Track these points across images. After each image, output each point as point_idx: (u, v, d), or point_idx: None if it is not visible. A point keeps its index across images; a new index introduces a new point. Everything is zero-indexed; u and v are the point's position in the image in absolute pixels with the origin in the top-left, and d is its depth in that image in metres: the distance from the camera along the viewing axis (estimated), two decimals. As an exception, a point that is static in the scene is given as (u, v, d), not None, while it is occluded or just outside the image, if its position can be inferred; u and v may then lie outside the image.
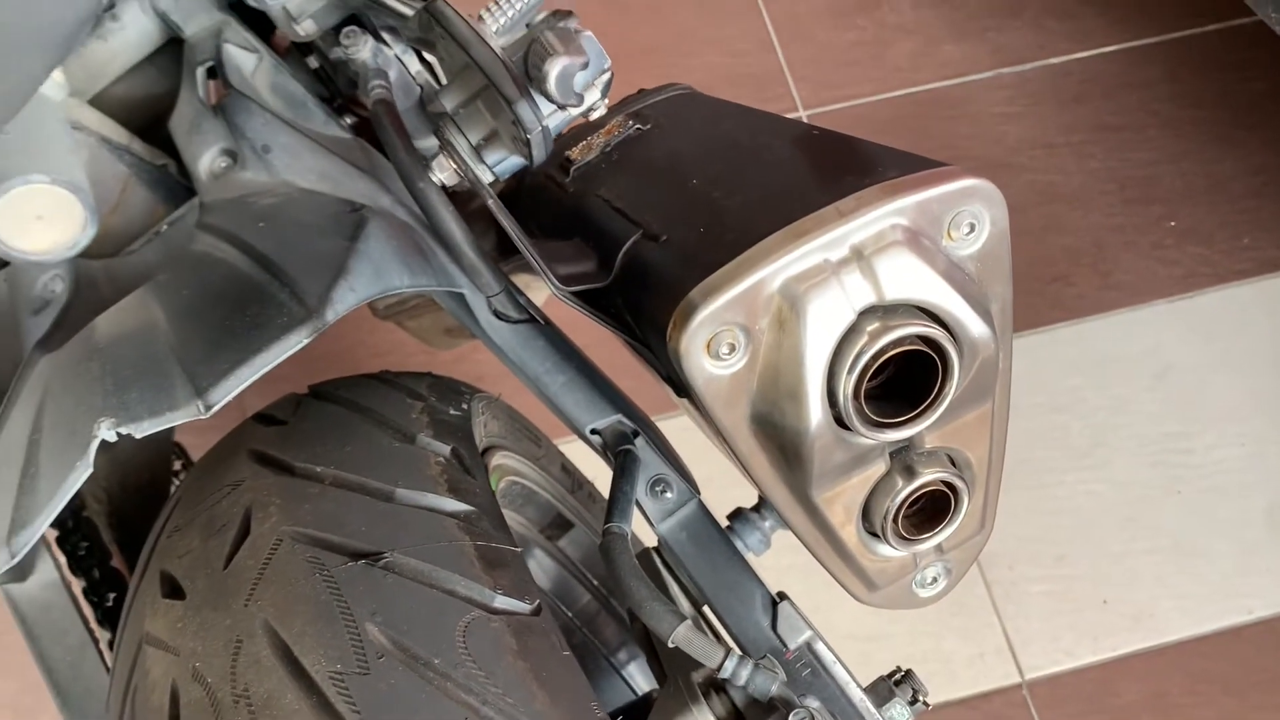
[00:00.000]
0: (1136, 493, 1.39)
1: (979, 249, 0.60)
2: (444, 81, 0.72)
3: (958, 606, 1.32)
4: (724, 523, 0.83)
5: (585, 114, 0.62)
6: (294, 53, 0.94)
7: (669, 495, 0.81)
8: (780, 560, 0.82)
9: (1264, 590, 1.33)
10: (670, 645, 0.64)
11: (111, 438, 0.58)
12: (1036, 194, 1.58)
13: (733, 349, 0.58)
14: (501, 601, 0.55)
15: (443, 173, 0.65)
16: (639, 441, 0.81)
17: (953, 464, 0.65)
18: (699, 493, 0.82)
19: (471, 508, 0.60)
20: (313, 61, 0.95)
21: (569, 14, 0.60)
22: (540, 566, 1.02)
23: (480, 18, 0.92)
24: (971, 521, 0.69)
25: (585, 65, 0.55)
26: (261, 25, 0.90)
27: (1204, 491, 1.39)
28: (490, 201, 0.65)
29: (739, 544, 0.81)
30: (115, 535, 0.87)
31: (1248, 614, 1.32)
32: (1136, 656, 1.29)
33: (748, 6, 1.75)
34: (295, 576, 0.54)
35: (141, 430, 0.57)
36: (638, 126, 0.77)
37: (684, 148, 0.72)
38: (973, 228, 0.59)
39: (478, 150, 0.65)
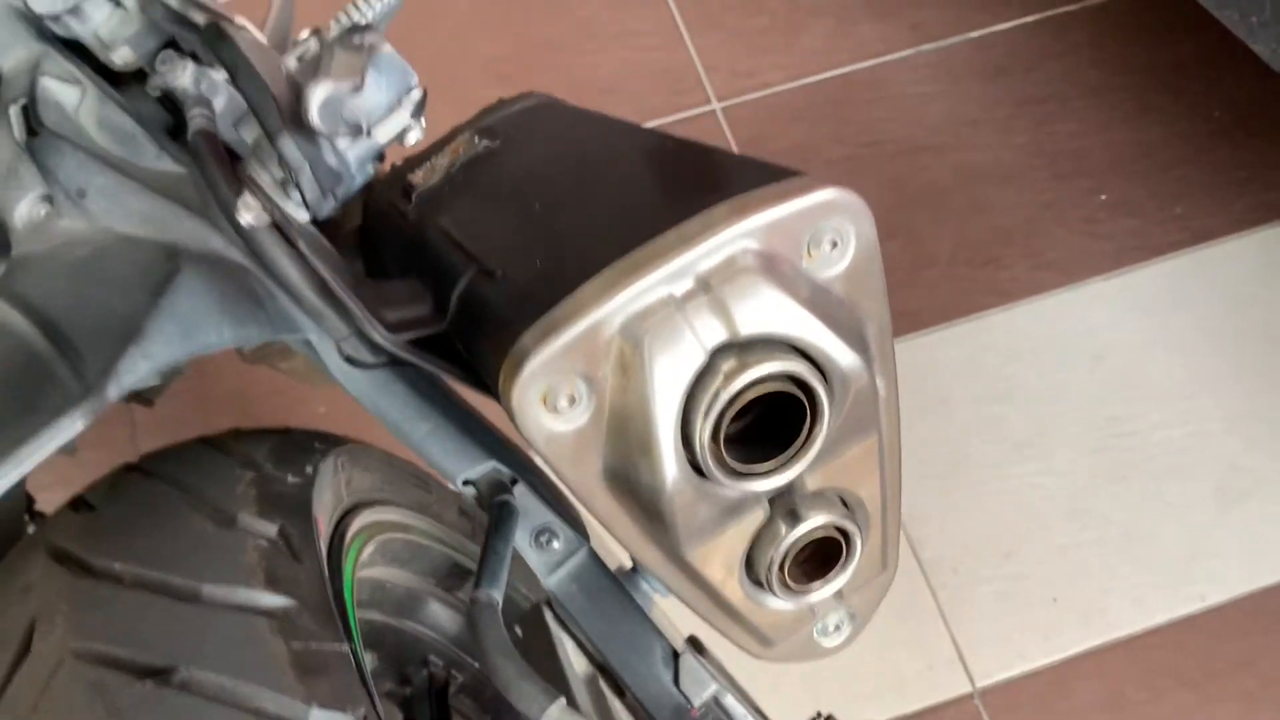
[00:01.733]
0: (1082, 481, 1.34)
1: (845, 267, 0.53)
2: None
3: (904, 616, 1.26)
4: (627, 564, 0.76)
5: (399, 140, 0.54)
6: (133, 82, 0.85)
7: (555, 545, 0.74)
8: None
9: (1216, 575, 1.28)
10: (543, 728, 0.58)
11: None
12: (962, 174, 1.52)
13: (573, 401, 0.50)
14: (318, 716, 0.48)
15: (249, 212, 0.57)
16: (518, 489, 0.74)
17: (844, 504, 0.58)
18: (588, 539, 0.76)
19: (291, 601, 0.53)
20: (153, 90, 0.86)
21: (367, 28, 0.52)
22: (440, 619, 0.95)
23: (355, 4, 0.84)
24: (871, 563, 0.62)
25: (358, 88, 0.48)
26: (91, 55, 0.82)
27: (1150, 476, 1.33)
28: (302, 244, 0.57)
29: (642, 588, 0.74)
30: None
31: (1201, 601, 1.27)
32: (1089, 655, 1.24)
33: (654, -3, 1.68)
34: (74, 707, 0.47)
35: (-107, 542, 0.50)
36: (486, 144, 0.69)
37: (531, 166, 0.65)
38: (836, 244, 0.52)
39: (284, 186, 0.57)
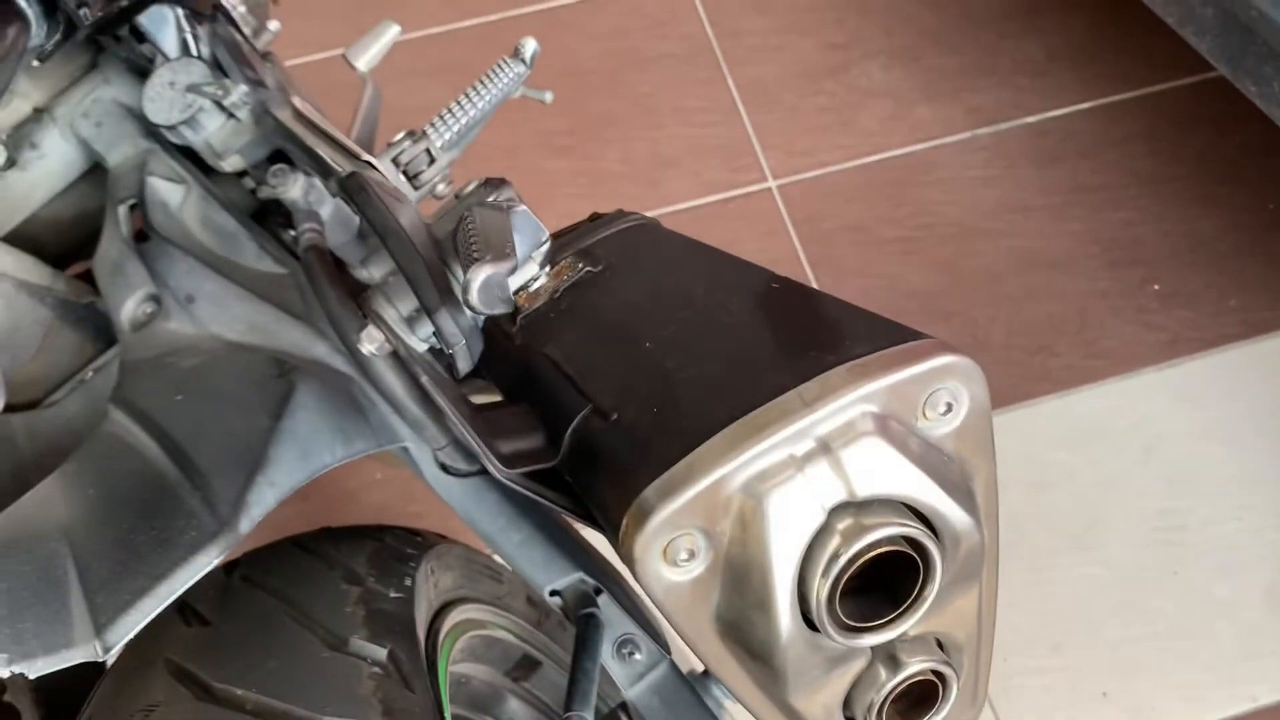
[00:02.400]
0: (1132, 574, 1.34)
1: (957, 427, 0.55)
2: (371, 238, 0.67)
3: (952, 705, 1.26)
4: (699, 668, 0.77)
5: (524, 289, 0.56)
6: (233, 178, 0.88)
7: (638, 657, 0.75)
8: None
9: (1268, 675, 1.27)
10: None
11: (4, 675, 0.52)
12: (1016, 260, 1.54)
13: (692, 555, 0.52)
14: None
15: (372, 344, 0.59)
16: (603, 600, 0.75)
17: (940, 648, 0.60)
18: (669, 651, 0.77)
19: (408, 733, 0.54)
20: (249, 183, 0.89)
21: (502, 183, 0.54)
22: (519, 712, 0.96)
23: (425, 133, 0.87)
24: (963, 701, 0.63)
25: (513, 269, 0.49)
26: (193, 152, 0.85)
27: (1201, 571, 1.33)
28: (425, 379, 0.59)
29: (714, 693, 0.75)
30: (43, 715, 0.81)
31: (1252, 702, 1.26)
32: (1140, 754, 1.24)
33: (712, 74, 1.70)
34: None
35: (35, 670, 0.51)
36: (588, 269, 0.71)
37: (637, 298, 0.67)
38: (950, 407, 0.54)
39: (409, 322, 0.59)
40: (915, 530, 0.52)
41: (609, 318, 0.67)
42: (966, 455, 0.56)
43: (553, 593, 0.75)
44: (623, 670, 0.75)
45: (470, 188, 0.56)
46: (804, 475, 0.51)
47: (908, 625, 0.54)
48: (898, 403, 0.53)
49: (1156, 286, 1.51)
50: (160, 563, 0.52)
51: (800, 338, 0.58)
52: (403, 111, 1.06)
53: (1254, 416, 1.42)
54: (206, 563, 0.53)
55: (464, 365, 0.53)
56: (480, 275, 0.48)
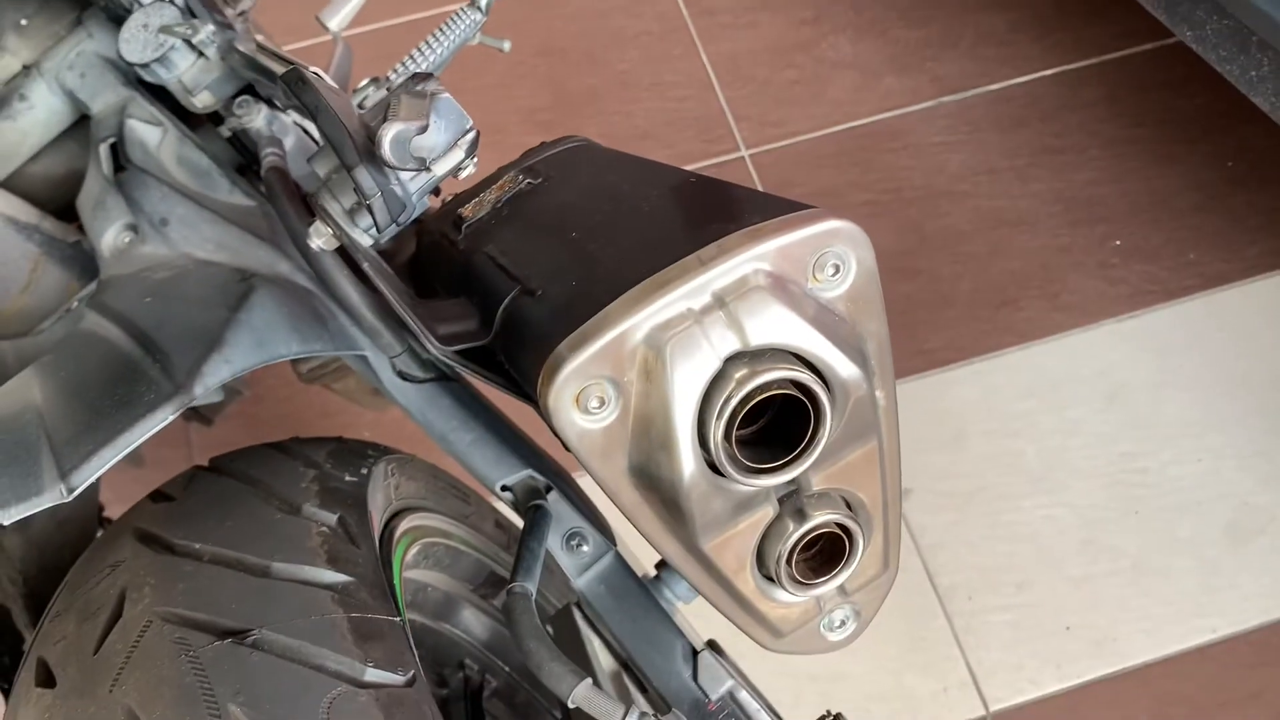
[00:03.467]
0: (1094, 515, 1.38)
1: (847, 289, 0.59)
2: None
3: (919, 640, 1.30)
4: (652, 572, 0.82)
5: (454, 174, 0.62)
6: (207, 123, 0.94)
7: (585, 549, 0.80)
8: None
9: (1227, 608, 1.31)
10: (571, 705, 0.63)
11: (-21, 525, 0.58)
12: (981, 219, 1.59)
13: (602, 402, 0.57)
14: (372, 674, 0.54)
15: (320, 238, 0.64)
16: (551, 496, 0.80)
17: (847, 505, 0.64)
18: (615, 544, 0.82)
19: (350, 578, 0.59)
20: (225, 130, 0.95)
21: (429, 76, 0.60)
22: (476, 624, 1.01)
23: (387, 78, 0.93)
24: (873, 562, 0.68)
25: (423, 129, 0.55)
26: (172, 99, 0.91)
27: (1162, 510, 1.37)
28: (366, 265, 0.65)
29: (665, 594, 0.80)
30: (32, 620, 0.86)
31: (1212, 633, 1.30)
32: (1101, 683, 1.27)
33: (687, 50, 1.76)
34: (161, 659, 0.53)
35: (9, 517, 0.57)
36: (529, 181, 0.77)
37: (569, 200, 0.72)
38: (838, 269, 0.59)
39: (352, 214, 0.64)
40: (803, 375, 0.57)
41: (543, 219, 0.72)
42: (857, 316, 0.61)
43: (504, 488, 0.80)
44: (571, 560, 0.80)
45: (397, 81, 0.62)
46: (701, 327, 0.56)
47: (802, 468, 0.59)
48: (788, 264, 0.58)
49: (1118, 242, 1.56)
50: (120, 419, 0.58)
51: (705, 215, 0.63)
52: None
53: (1212, 364, 1.46)
54: (162, 419, 0.58)
55: (381, 219, 0.58)
56: (390, 130, 0.53)
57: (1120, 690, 1.27)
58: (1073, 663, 1.29)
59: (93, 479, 0.56)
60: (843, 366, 0.59)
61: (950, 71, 1.71)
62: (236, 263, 0.79)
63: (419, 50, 0.95)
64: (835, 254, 0.59)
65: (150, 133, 0.89)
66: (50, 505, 0.56)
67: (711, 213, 0.63)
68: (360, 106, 0.90)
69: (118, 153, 0.88)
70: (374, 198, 0.56)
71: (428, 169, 0.56)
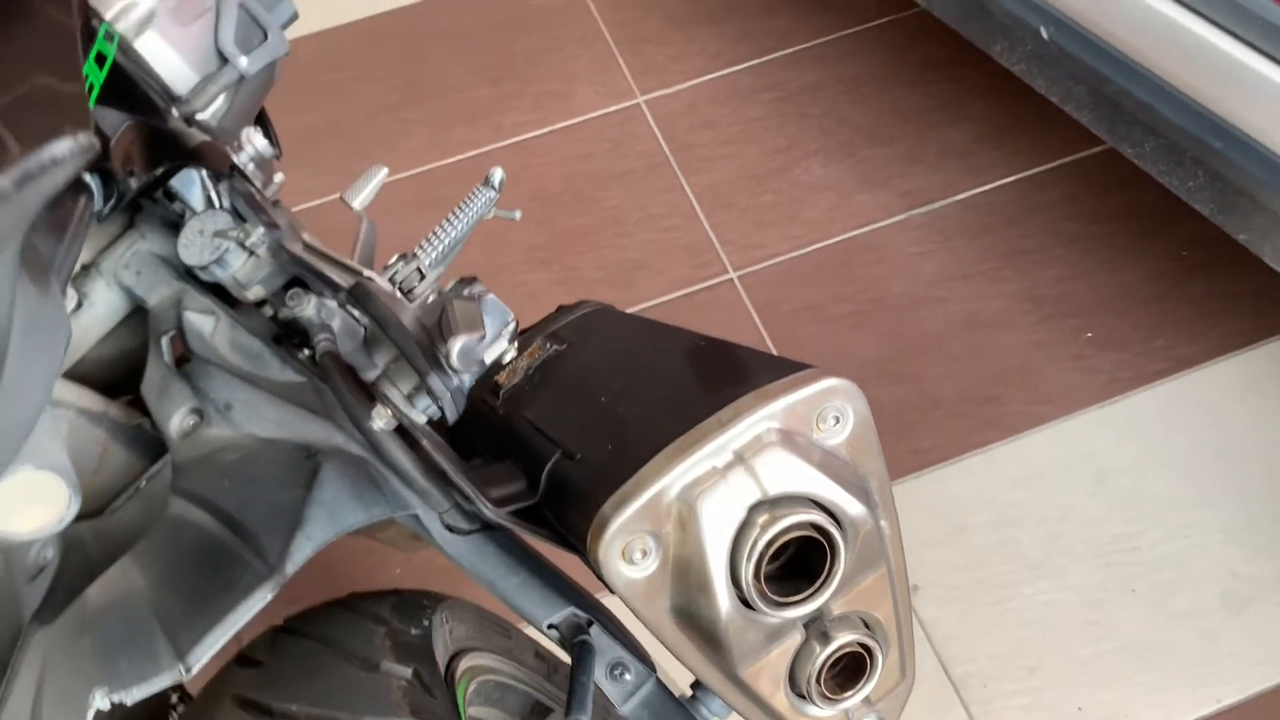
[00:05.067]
0: (1094, 596, 1.45)
1: (847, 436, 0.69)
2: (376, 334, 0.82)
3: (940, 732, 1.36)
4: (688, 692, 0.89)
5: (497, 362, 0.71)
6: (252, 305, 1.04)
7: (628, 677, 0.87)
8: None
9: (1229, 677, 1.37)
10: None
11: (106, 706, 0.65)
12: (959, 322, 1.69)
13: (645, 553, 0.66)
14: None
15: (381, 420, 0.73)
16: (594, 630, 0.88)
17: (865, 626, 0.72)
18: (655, 670, 0.89)
19: (432, 726, 0.67)
20: (269, 309, 1.05)
21: (473, 280, 0.70)
22: (524, 752, 1.07)
23: (414, 254, 1.03)
24: (891, 673, 0.76)
25: (483, 338, 0.64)
26: (219, 287, 1.01)
27: (1157, 586, 1.45)
28: (425, 442, 0.73)
29: (703, 712, 0.87)
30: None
31: (1217, 703, 1.36)
32: (1118, 760, 1.33)
33: (671, 184, 1.89)
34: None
35: (132, 697, 0.64)
36: (555, 347, 0.86)
37: (594, 364, 0.82)
38: (838, 420, 0.68)
39: (410, 398, 0.74)
40: (818, 517, 0.65)
41: (572, 382, 0.81)
42: (858, 458, 0.70)
43: (550, 626, 0.87)
44: (615, 689, 0.87)
45: (449, 286, 0.71)
46: (725, 481, 0.65)
47: (824, 598, 0.67)
48: (795, 419, 0.67)
49: (1090, 334, 1.66)
50: (224, 601, 0.66)
51: (717, 377, 0.72)
52: (400, 240, 1.23)
53: (1191, 443, 1.55)
54: (262, 598, 0.66)
55: (451, 415, 0.68)
56: (457, 344, 0.63)
57: (1137, 766, 1.33)
58: (1089, 742, 1.35)
59: (207, 658, 0.64)
60: (851, 506, 0.67)
61: (918, 185, 1.83)
62: (297, 438, 0.88)
63: (440, 228, 1.06)
64: (835, 408, 0.68)
65: (205, 322, 0.99)
66: (171, 683, 0.64)
67: (723, 375, 0.72)
68: (392, 282, 1.00)
69: (180, 344, 0.97)
70: (444, 399, 0.65)
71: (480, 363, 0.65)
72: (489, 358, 0.68)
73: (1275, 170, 1.12)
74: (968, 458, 1.57)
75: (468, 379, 0.68)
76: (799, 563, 0.68)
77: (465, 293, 0.68)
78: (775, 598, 0.66)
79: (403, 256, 1.02)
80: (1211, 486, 1.52)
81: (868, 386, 1.77)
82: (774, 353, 1.67)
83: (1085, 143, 1.84)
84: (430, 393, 0.65)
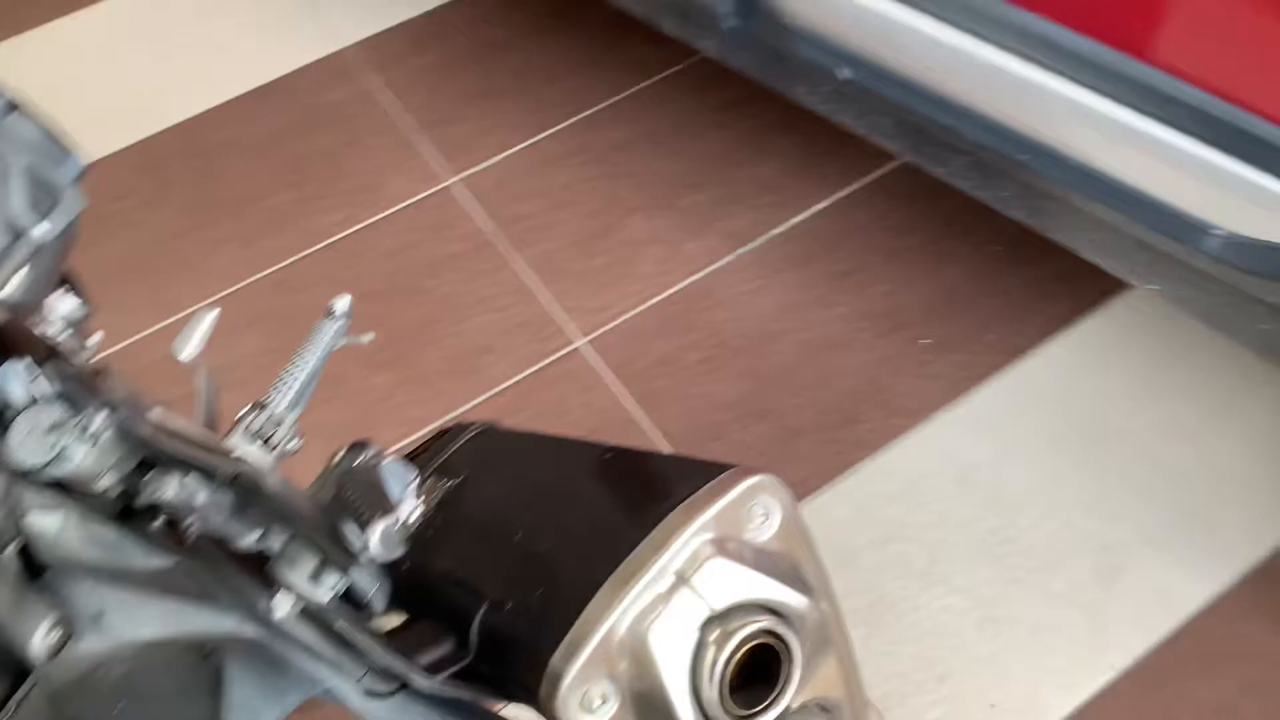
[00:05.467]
0: (984, 593, 1.51)
1: (776, 529, 0.68)
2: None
3: (871, 759, 1.38)
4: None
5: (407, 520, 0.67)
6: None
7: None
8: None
9: (1117, 643, 1.45)
10: None
11: None
12: (804, 351, 1.74)
13: (604, 698, 0.63)
14: None
15: (284, 608, 0.68)
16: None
17: (823, 710, 0.72)
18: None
19: None
20: (123, 495, 0.96)
21: (364, 445, 0.66)
22: None
23: (267, 401, 0.97)
24: (855, 748, 0.76)
25: (398, 518, 0.61)
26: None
27: (1036, 572, 1.52)
28: (338, 625, 0.69)
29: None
30: None
31: (1113, 670, 1.44)
32: (1038, 747, 1.39)
33: (500, 262, 1.87)
34: None
35: None
36: (450, 482, 0.83)
37: (499, 497, 0.79)
38: (766, 516, 0.68)
39: (313, 579, 0.69)
40: (768, 622, 0.65)
41: (480, 522, 0.78)
42: (789, 548, 0.69)
43: (495, 773, 0.83)
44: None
45: (339, 457, 0.67)
46: (672, 606, 0.64)
47: (787, 700, 0.66)
48: (725, 525, 0.66)
49: (926, 340, 1.74)
50: None
51: (637, 494, 0.71)
52: (229, 367, 1.16)
53: (1037, 427, 1.64)
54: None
55: (380, 605, 0.63)
56: (376, 532, 0.59)
57: (1055, 748, 1.39)
58: (1008, 736, 1.40)
59: None
60: (794, 599, 0.67)
61: (739, 225, 1.88)
62: (186, 634, 0.81)
63: (289, 370, 1.00)
64: (761, 504, 0.68)
65: (51, 522, 0.90)
66: None
67: (642, 491, 0.70)
68: (246, 430, 0.94)
69: (28, 554, 0.88)
70: (373, 591, 0.61)
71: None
72: (405, 511, 0.64)
73: (1079, 174, 1.20)
74: (840, 481, 1.61)
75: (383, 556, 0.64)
76: (753, 666, 0.67)
77: (359, 462, 0.64)
78: (742, 712, 0.64)
79: (255, 405, 0.96)
80: (1064, 465, 1.61)
81: (733, 429, 1.79)
82: (642, 417, 1.67)
83: (883, 160, 1.93)
84: (355, 587, 0.61)
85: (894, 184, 1.92)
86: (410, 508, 0.67)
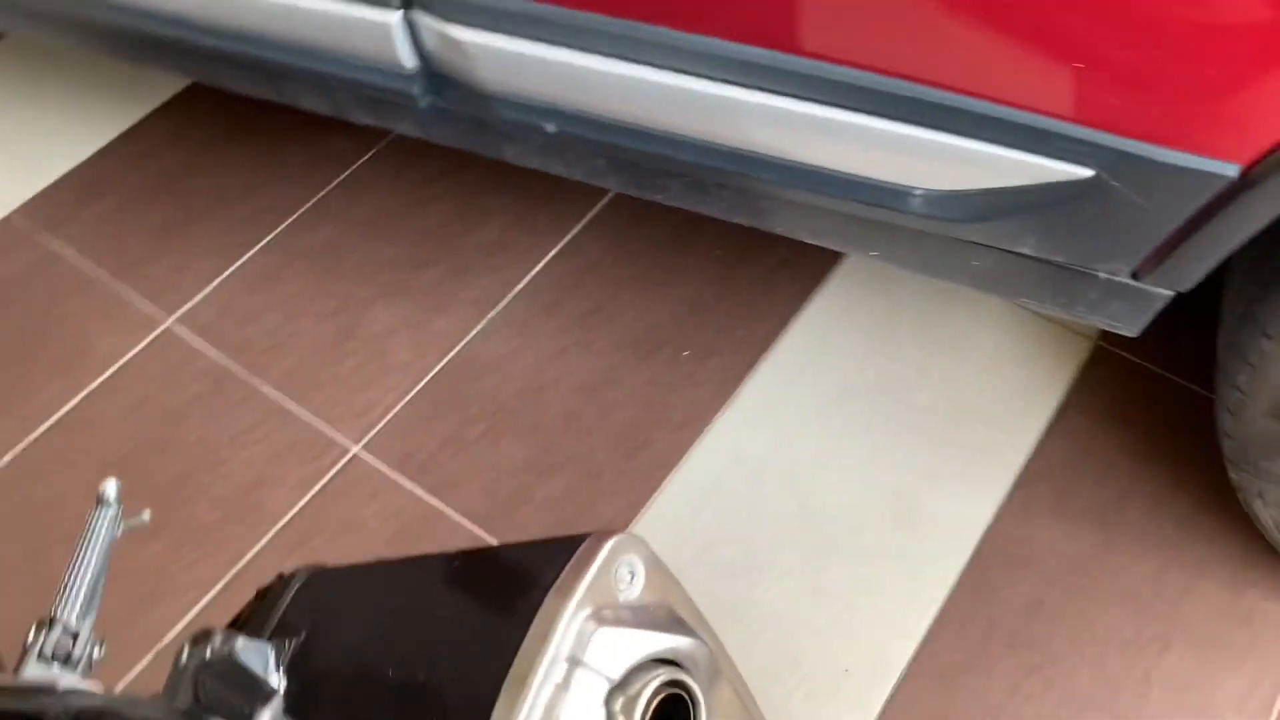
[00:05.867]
0: (807, 571, 1.59)
1: (644, 583, 0.70)
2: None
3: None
4: None
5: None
6: None
7: None
8: None
9: (933, 577, 1.57)
10: None
11: None
12: (579, 393, 1.77)
13: (534, 804, 0.62)
14: None
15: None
16: None
17: (731, 736, 0.74)
18: None
19: None
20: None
21: (209, 633, 0.62)
22: None
23: (54, 616, 0.88)
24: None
25: (278, 700, 0.57)
26: None
27: (845, 535, 1.62)
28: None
29: None
30: None
31: (935, 603, 1.55)
32: (897, 693, 1.47)
33: (246, 391, 1.78)
34: None
35: None
36: (293, 641, 0.78)
37: (357, 641, 0.76)
38: (632, 573, 0.69)
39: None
40: (666, 673, 0.66)
41: (343, 674, 0.74)
42: (662, 595, 0.71)
43: None
44: None
45: (185, 655, 0.62)
46: (571, 691, 0.64)
47: (703, 739, 0.68)
48: (597, 594, 0.67)
49: (686, 353, 1.81)
50: None
51: (503, 593, 0.70)
52: None
53: (805, 404, 1.75)
54: None
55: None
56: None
57: (912, 693, 1.48)
58: (868, 699, 1.48)
59: None
60: (681, 643, 0.69)
61: (480, 292, 1.88)
62: None
63: (70, 575, 0.92)
64: (625, 563, 0.69)
65: None
66: None
67: (505, 589, 0.70)
68: (41, 655, 0.85)
69: None
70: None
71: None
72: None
73: (783, 170, 1.30)
74: (651, 506, 1.64)
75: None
76: (659, 715, 0.68)
77: (211, 654, 0.60)
78: (666, 769, 0.65)
79: (41, 624, 0.87)
80: (837, 430, 1.72)
81: (536, 488, 1.80)
82: (445, 507, 1.64)
83: (597, 195, 2.00)
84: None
85: (613, 216, 1.99)
86: (276, 679, 0.64)
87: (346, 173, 2.07)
